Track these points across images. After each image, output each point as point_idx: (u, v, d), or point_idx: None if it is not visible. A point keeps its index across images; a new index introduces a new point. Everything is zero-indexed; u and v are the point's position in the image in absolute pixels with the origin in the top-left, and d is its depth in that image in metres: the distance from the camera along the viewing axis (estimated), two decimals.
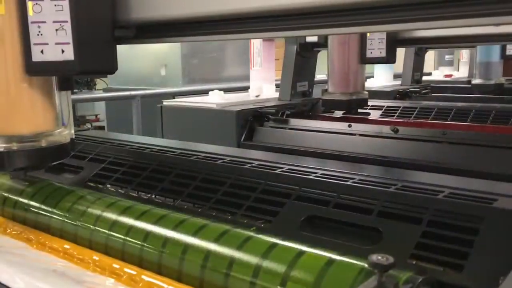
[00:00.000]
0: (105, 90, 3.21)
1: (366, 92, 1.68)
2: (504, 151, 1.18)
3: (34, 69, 0.65)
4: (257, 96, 1.90)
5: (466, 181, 0.70)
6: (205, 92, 1.97)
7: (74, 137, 0.80)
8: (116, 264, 0.58)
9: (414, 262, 0.53)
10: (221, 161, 0.84)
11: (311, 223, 0.64)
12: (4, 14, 0.65)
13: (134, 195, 0.80)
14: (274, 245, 0.52)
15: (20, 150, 0.70)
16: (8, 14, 0.65)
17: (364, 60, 1.57)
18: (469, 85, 2.57)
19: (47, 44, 0.63)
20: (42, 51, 0.64)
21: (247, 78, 2.22)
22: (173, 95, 2.62)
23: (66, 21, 0.63)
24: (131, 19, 0.67)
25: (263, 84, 1.99)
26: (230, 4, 0.58)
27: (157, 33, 0.71)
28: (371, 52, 1.54)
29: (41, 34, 0.63)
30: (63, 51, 0.63)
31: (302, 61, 1.89)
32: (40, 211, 0.71)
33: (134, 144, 1.00)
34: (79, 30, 0.63)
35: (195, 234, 0.57)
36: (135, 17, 0.67)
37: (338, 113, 1.77)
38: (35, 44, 0.64)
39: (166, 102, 1.83)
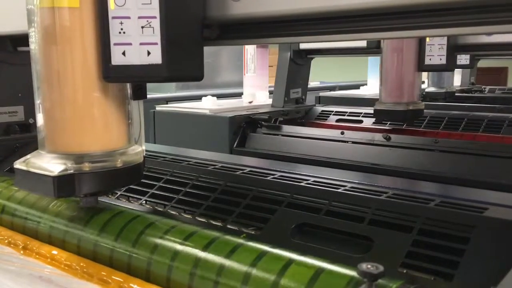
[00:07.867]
0: None
1: (422, 103, 1.53)
2: (496, 160, 1.18)
3: (113, 74, 0.54)
4: (250, 103, 1.90)
5: (457, 189, 0.70)
6: (198, 98, 1.97)
7: (145, 154, 0.67)
8: (104, 271, 0.58)
9: (404, 271, 0.52)
10: (213, 167, 0.84)
11: (302, 231, 0.64)
12: (79, 7, 0.54)
13: (124, 200, 0.79)
14: (264, 253, 0.52)
15: (93, 172, 0.57)
16: (82, 8, 0.54)
17: (422, 67, 1.45)
18: (462, 94, 2.59)
19: (130, 44, 0.52)
20: (123, 53, 0.53)
21: (240, 84, 2.22)
22: (166, 101, 2.61)
23: (155, 17, 0.52)
24: (222, 16, 0.56)
25: (257, 90, 1.99)
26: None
27: (246, 33, 0.60)
28: (430, 59, 1.43)
29: (124, 32, 0.52)
30: (149, 53, 0.52)
31: (295, 68, 1.89)
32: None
33: None
34: (169, 28, 0.52)
35: (184, 241, 0.56)
36: (227, 14, 0.55)
37: (331, 120, 1.77)
38: (115, 44, 0.53)
39: (159, 108, 1.83)
